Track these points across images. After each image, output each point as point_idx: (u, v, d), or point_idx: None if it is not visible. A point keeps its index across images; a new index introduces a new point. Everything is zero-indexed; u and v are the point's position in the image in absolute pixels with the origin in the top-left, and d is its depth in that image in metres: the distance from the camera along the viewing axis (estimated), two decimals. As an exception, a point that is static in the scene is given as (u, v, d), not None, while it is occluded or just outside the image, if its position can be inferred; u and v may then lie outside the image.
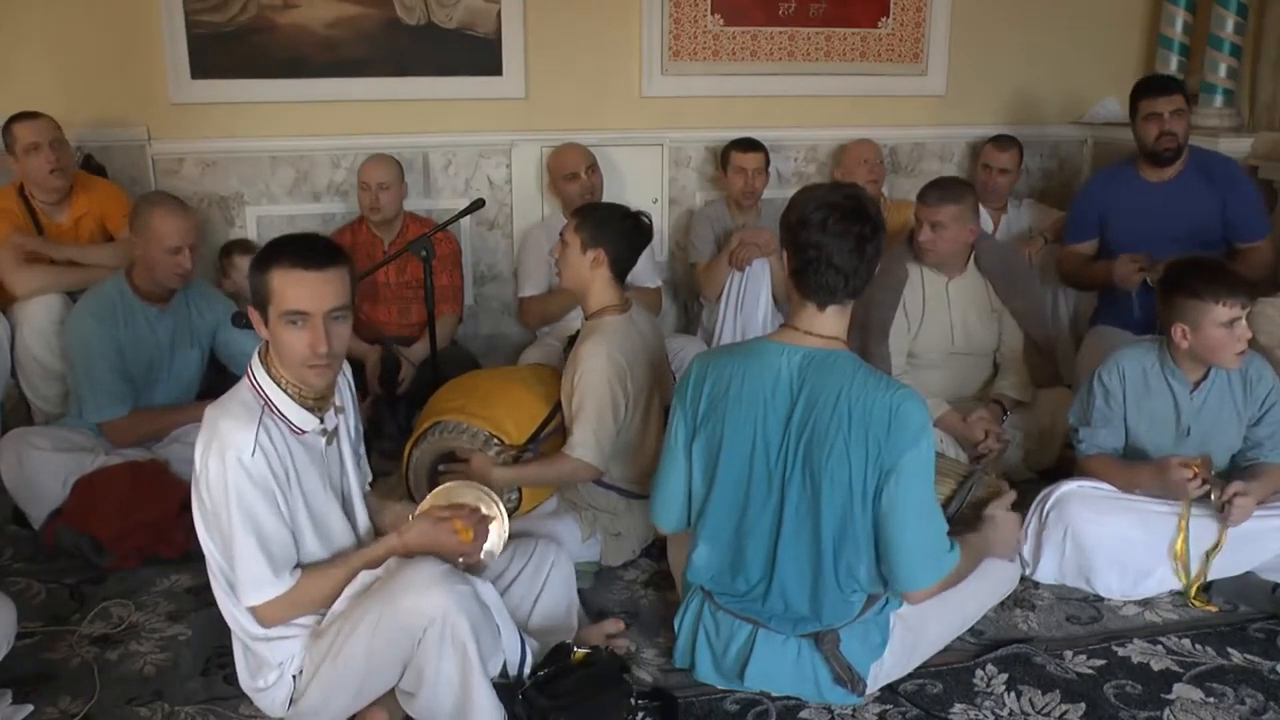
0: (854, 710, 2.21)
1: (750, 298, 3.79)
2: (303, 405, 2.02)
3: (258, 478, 1.93)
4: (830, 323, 2.11)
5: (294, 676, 2.07)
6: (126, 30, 3.85)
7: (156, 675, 2.33)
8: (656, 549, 2.85)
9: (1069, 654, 2.42)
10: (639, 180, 4.34)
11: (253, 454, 1.92)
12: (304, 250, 1.96)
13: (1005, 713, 2.22)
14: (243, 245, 3.82)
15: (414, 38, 4.06)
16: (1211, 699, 2.26)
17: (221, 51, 3.91)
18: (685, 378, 2.24)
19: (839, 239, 2.02)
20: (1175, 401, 2.71)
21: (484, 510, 2.22)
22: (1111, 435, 2.77)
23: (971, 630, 2.49)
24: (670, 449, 2.27)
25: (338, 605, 2.04)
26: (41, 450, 2.86)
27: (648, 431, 2.79)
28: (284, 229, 3.04)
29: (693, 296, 4.31)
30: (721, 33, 4.33)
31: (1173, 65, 4.47)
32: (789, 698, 2.22)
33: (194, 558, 2.33)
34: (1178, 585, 2.66)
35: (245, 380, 2.02)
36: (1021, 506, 2.52)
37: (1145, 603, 2.66)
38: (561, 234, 2.78)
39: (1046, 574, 2.73)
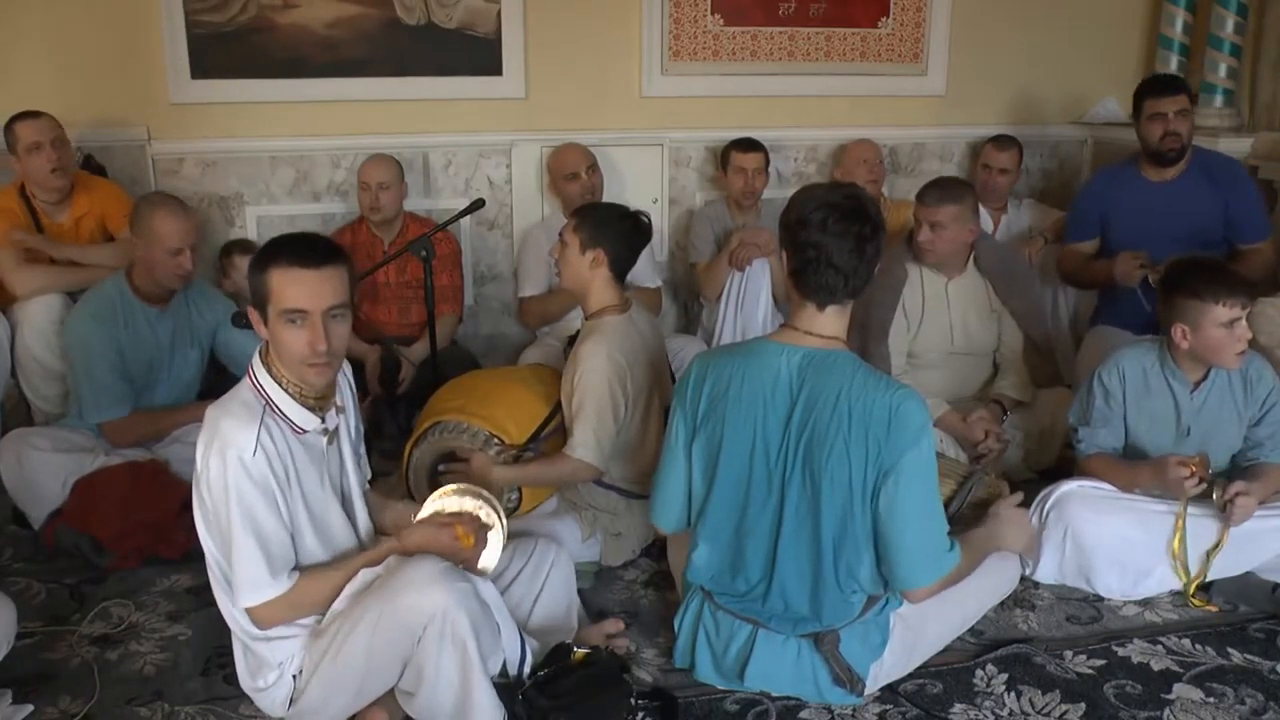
0: (854, 710, 2.21)
1: (750, 298, 3.78)
2: (304, 405, 2.02)
3: (258, 478, 1.93)
4: (830, 323, 2.11)
5: (294, 676, 2.07)
6: (126, 30, 3.85)
7: (156, 675, 2.33)
8: (656, 549, 2.85)
9: (1069, 654, 2.42)
10: (639, 180, 4.34)
11: (254, 454, 1.92)
12: (302, 249, 1.96)
13: (1005, 713, 2.22)
14: (243, 245, 3.82)
15: (414, 38, 4.06)
16: (1211, 699, 2.26)
17: (221, 51, 3.91)
18: (685, 378, 2.24)
19: (838, 239, 2.02)
20: (1175, 401, 2.71)
21: (483, 518, 2.21)
22: (1111, 435, 2.77)
23: (971, 630, 2.49)
24: (670, 449, 2.27)
25: (338, 604, 2.04)
26: (41, 451, 2.86)
27: (648, 431, 2.79)
28: (284, 229, 3.03)
29: (693, 296, 4.31)
30: (721, 33, 4.33)
31: (1173, 65, 4.47)
32: (789, 698, 2.22)
33: (194, 558, 2.33)
34: (1178, 585, 2.66)
35: (246, 380, 2.02)
36: (1021, 506, 2.51)
37: (1145, 603, 2.66)
38: (561, 234, 2.78)
39: (1046, 574, 2.73)
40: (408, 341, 3.77)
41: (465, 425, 2.68)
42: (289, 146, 4.09)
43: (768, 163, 4.09)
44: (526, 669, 2.13)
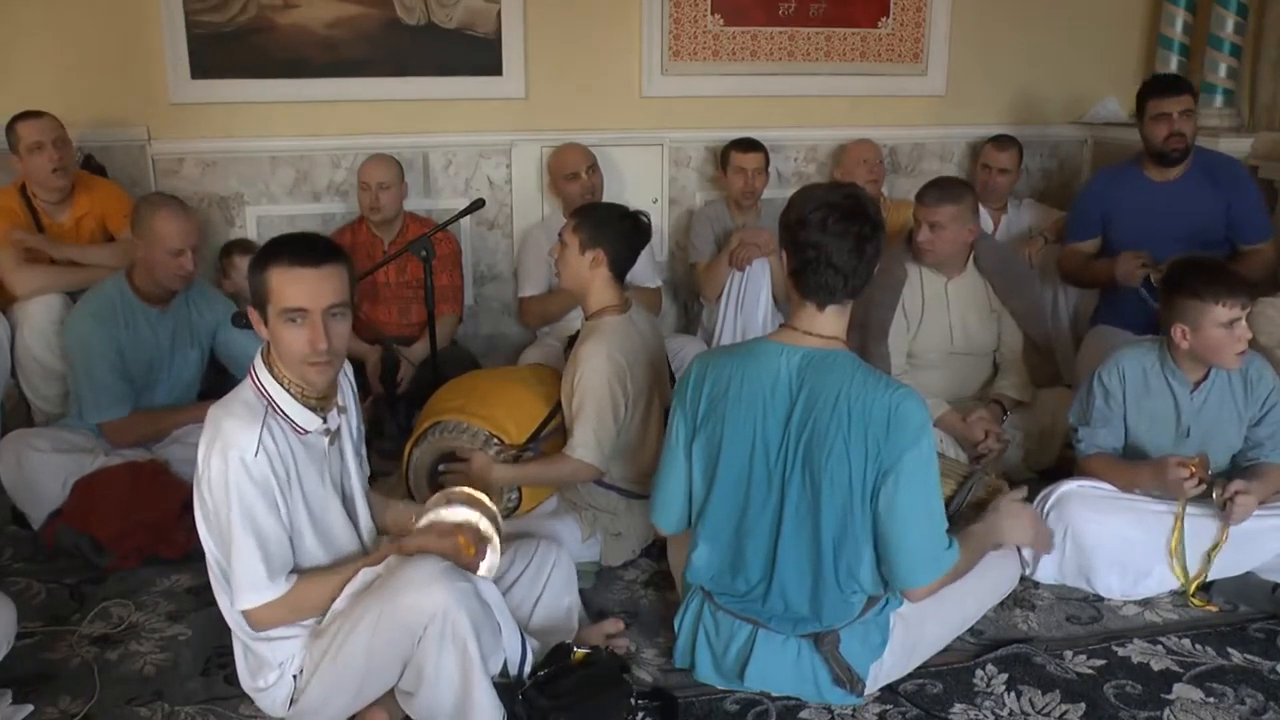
0: (854, 710, 2.20)
1: (750, 298, 3.78)
2: (306, 405, 2.02)
3: (259, 478, 1.93)
4: (829, 323, 2.11)
5: (294, 676, 2.06)
6: (126, 30, 3.85)
7: (156, 675, 2.33)
8: (656, 549, 2.84)
9: (1069, 654, 2.42)
10: (639, 180, 4.34)
11: (255, 454, 1.92)
12: (301, 248, 1.96)
13: (1005, 713, 2.22)
14: (243, 245, 3.82)
15: (414, 38, 4.06)
16: (1211, 699, 2.26)
17: (221, 51, 3.92)
18: (685, 378, 2.24)
19: (838, 239, 2.02)
20: (1175, 402, 2.71)
21: (483, 530, 2.20)
22: (1111, 435, 2.77)
23: (971, 630, 2.49)
24: (670, 449, 2.27)
25: (338, 604, 2.04)
26: (40, 452, 2.86)
27: (648, 432, 2.79)
28: (284, 229, 3.03)
29: (693, 296, 4.31)
30: (721, 33, 4.33)
31: (1173, 65, 4.47)
32: (789, 698, 2.22)
33: (194, 558, 2.33)
34: (1178, 585, 2.66)
35: (248, 380, 2.02)
36: (1025, 502, 2.51)
37: (1145, 603, 2.66)
38: (560, 234, 2.78)
39: (1046, 574, 2.73)
40: (408, 341, 3.77)
41: (465, 425, 2.68)
42: (289, 146, 4.09)
43: (768, 163, 4.09)
44: (527, 668, 2.13)
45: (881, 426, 2.01)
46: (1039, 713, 2.22)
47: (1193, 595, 2.65)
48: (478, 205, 3.56)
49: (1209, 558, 2.62)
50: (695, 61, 4.32)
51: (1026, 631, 2.54)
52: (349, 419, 2.18)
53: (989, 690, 2.29)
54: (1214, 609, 2.63)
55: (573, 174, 3.92)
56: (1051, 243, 3.98)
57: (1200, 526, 2.62)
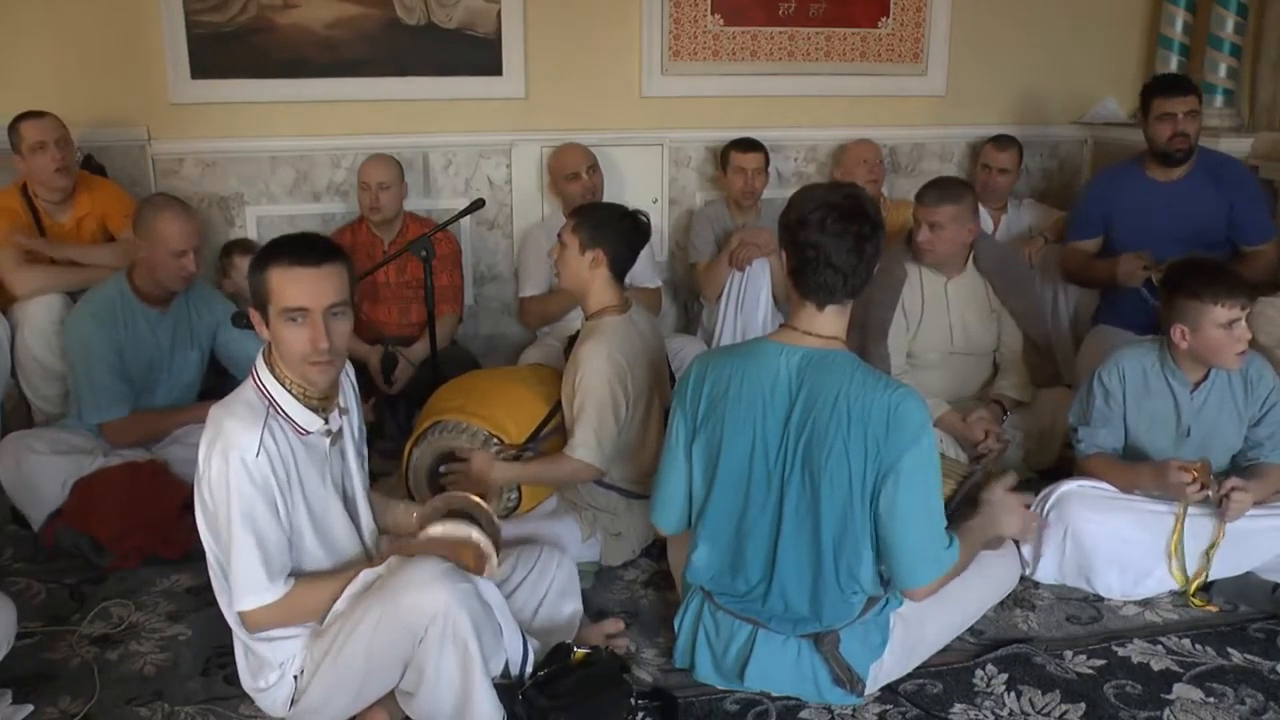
0: (854, 710, 2.21)
1: (750, 298, 3.78)
2: (307, 406, 2.02)
3: (259, 479, 1.93)
4: (829, 323, 2.11)
5: (295, 676, 2.06)
6: (126, 30, 3.85)
7: (156, 675, 2.33)
8: (656, 549, 2.85)
9: (1069, 654, 2.42)
10: (639, 180, 4.34)
11: (256, 455, 1.92)
12: (301, 248, 1.96)
13: (1005, 713, 2.22)
14: (243, 245, 3.82)
15: (414, 38, 4.06)
16: (1211, 699, 2.26)
17: (221, 51, 3.91)
18: (685, 378, 2.24)
19: (838, 239, 2.02)
20: (1175, 402, 2.71)
21: (483, 548, 2.18)
22: (1111, 435, 2.77)
23: (971, 630, 2.49)
24: (670, 450, 2.27)
25: (339, 605, 2.04)
26: (40, 454, 2.86)
27: (648, 432, 2.79)
28: (284, 229, 3.04)
29: (693, 296, 4.31)
30: (721, 33, 4.33)
31: (1173, 65, 4.47)
32: (789, 698, 2.22)
33: (194, 558, 2.34)
34: (1177, 585, 2.66)
35: (250, 381, 2.02)
36: (1015, 492, 2.48)
37: (1145, 603, 2.66)
38: (560, 234, 2.78)
39: (1046, 574, 2.73)
40: (408, 341, 3.77)
41: (465, 425, 2.68)
42: (289, 146, 4.09)
43: (768, 163, 4.09)
44: (529, 668, 2.13)
45: (881, 426, 2.01)
46: (1039, 713, 2.22)
47: (1193, 595, 2.65)
48: (478, 205, 3.56)
49: (1207, 556, 2.62)
50: (695, 61, 4.32)
51: (1026, 631, 2.54)
52: (350, 420, 2.18)
53: (989, 690, 2.29)
54: (1214, 609, 2.63)
55: (573, 174, 3.92)
56: (1051, 242, 3.98)
57: (1199, 526, 2.62)
